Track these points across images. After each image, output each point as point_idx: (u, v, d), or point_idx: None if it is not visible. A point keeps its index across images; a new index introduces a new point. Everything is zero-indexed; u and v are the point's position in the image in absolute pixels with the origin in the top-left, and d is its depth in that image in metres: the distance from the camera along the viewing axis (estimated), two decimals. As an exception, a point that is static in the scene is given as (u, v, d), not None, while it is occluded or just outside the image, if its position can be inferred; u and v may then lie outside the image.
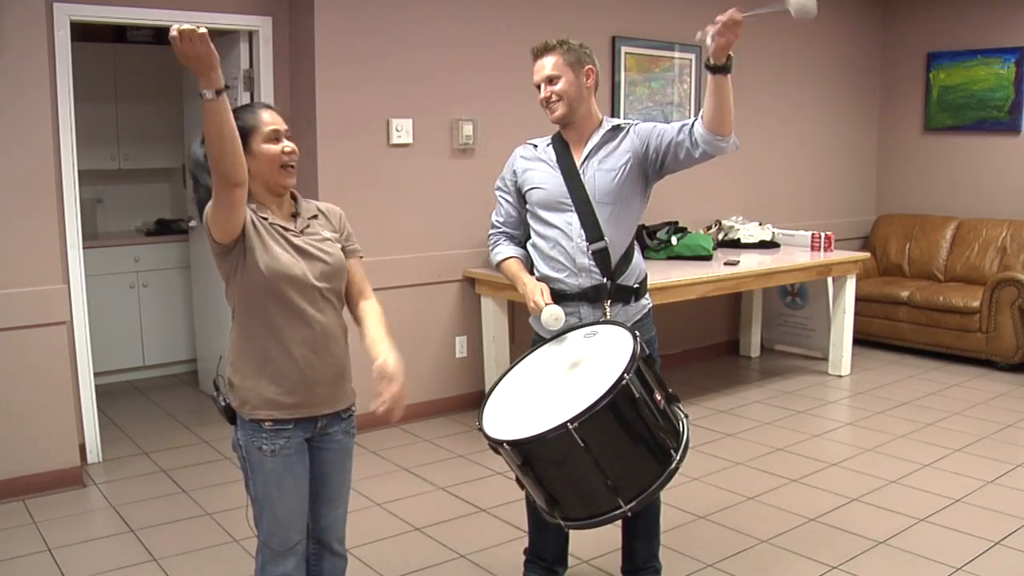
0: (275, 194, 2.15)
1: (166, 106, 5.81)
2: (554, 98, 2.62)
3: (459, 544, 3.34)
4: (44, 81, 3.72)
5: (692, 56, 5.87)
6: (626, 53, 5.52)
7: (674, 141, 2.59)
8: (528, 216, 2.77)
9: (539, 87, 2.64)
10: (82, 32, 5.04)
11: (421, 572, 3.12)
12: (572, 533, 2.89)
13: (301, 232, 2.16)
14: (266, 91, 4.51)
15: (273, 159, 2.10)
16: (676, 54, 5.79)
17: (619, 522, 2.80)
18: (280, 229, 2.12)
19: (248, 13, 4.44)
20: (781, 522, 3.51)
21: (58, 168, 3.94)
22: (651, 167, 2.66)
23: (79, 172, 4.09)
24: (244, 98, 4.57)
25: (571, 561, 3.04)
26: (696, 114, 2.61)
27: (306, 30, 4.41)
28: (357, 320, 2.26)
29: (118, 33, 5.76)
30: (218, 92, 1.82)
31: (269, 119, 2.11)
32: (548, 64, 2.61)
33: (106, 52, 5.64)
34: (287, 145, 2.12)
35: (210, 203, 2.01)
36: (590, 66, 2.65)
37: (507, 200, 2.82)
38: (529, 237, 2.78)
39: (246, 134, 2.05)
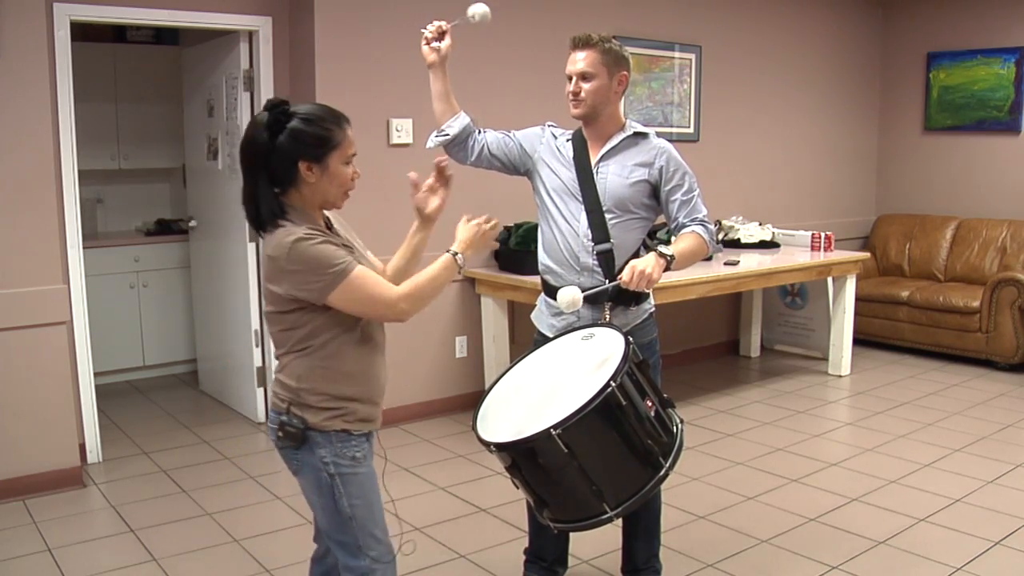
0: (323, 210, 2.08)
1: (166, 106, 5.81)
2: (582, 95, 2.59)
3: (459, 544, 3.34)
4: (44, 81, 3.72)
5: (692, 56, 5.87)
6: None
7: (667, 210, 2.68)
8: (537, 203, 2.77)
9: (570, 79, 2.61)
10: (82, 32, 5.05)
11: (421, 572, 3.12)
12: (572, 533, 2.89)
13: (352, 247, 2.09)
14: (266, 91, 4.50)
15: (343, 182, 2.02)
16: (676, 54, 5.79)
17: (619, 522, 2.80)
18: (346, 247, 2.02)
19: (248, 13, 4.44)
20: (781, 522, 3.51)
21: (58, 168, 3.94)
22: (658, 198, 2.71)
23: (79, 172, 4.09)
24: (244, 98, 4.57)
25: (571, 561, 3.04)
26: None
27: (306, 30, 4.40)
28: (400, 271, 2.31)
29: (118, 33, 5.75)
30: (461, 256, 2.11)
31: (352, 140, 2.02)
32: (585, 60, 2.58)
33: (106, 52, 5.64)
34: (357, 171, 2.04)
35: (345, 291, 1.93)
36: (625, 72, 2.63)
37: (508, 136, 2.78)
38: (484, 153, 2.75)
39: (330, 148, 1.97)
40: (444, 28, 2.58)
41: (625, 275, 2.44)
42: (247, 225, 4.64)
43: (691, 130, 5.94)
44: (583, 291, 2.43)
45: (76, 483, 3.90)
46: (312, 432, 2.03)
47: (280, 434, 2.06)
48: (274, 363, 4.71)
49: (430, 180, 2.29)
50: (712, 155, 5.97)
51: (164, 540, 3.37)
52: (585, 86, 2.58)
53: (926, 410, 5.01)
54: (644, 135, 2.68)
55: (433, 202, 2.28)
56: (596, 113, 2.62)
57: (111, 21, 4.39)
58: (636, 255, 2.68)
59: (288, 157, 1.95)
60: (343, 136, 2.00)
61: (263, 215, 1.98)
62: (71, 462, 3.90)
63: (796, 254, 5.69)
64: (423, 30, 2.60)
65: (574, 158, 2.67)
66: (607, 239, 2.61)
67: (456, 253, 2.13)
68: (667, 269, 2.51)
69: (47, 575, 3.10)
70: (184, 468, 4.16)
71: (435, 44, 2.58)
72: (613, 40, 2.62)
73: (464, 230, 2.20)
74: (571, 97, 2.62)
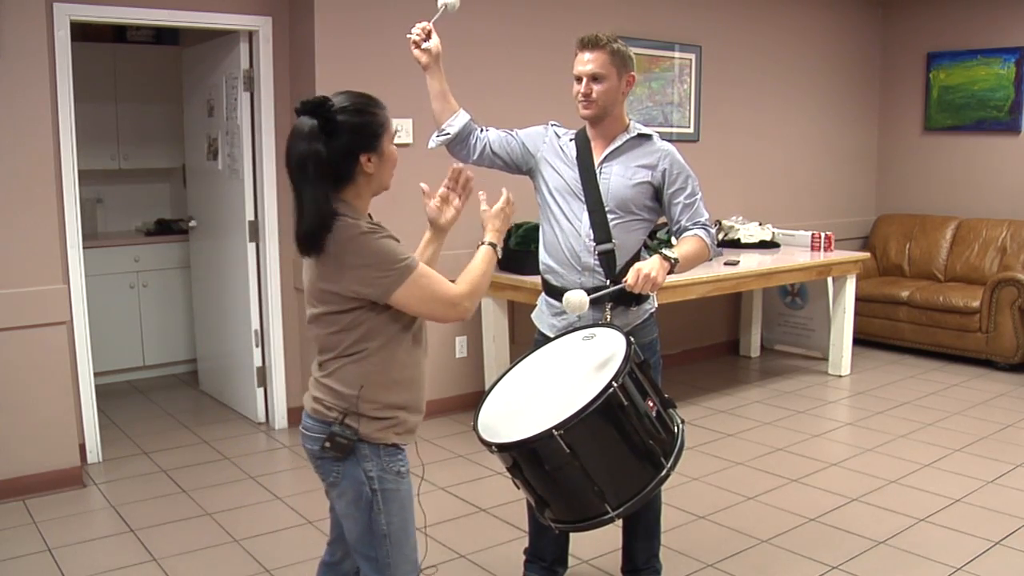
0: (374, 197, 2.03)
1: (166, 106, 5.81)
2: (593, 96, 2.57)
3: (459, 544, 3.35)
4: (44, 81, 3.72)
5: (692, 56, 5.87)
6: (626, 53, 5.52)
7: (669, 213, 2.69)
8: (539, 203, 2.77)
9: (580, 79, 2.59)
10: (82, 32, 5.04)
11: (420, 572, 3.11)
12: (573, 533, 2.89)
13: None
14: (266, 91, 4.51)
15: (394, 161, 2.00)
16: (676, 54, 5.79)
17: (619, 522, 2.80)
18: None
19: (248, 13, 4.44)
20: (781, 522, 3.51)
21: (58, 168, 3.94)
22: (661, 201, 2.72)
23: (79, 172, 4.09)
24: (244, 98, 4.57)
25: (571, 561, 3.04)
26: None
27: (306, 30, 4.40)
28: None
29: (118, 33, 5.75)
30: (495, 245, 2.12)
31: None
32: (594, 61, 2.56)
33: (106, 52, 5.64)
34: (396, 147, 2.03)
35: (410, 288, 1.89)
36: (632, 72, 2.63)
37: (511, 134, 2.77)
38: (486, 151, 2.75)
39: (382, 131, 1.94)
40: (429, 28, 2.58)
41: (630, 278, 2.44)
42: (247, 225, 4.67)
43: (691, 130, 5.94)
44: (587, 292, 2.43)
45: (76, 483, 3.90)
46: (361, 444, 1.96)
47: (327, 444, 1.94)
48: (276, 363, 4.73)
49: (442, 189, 2.25)
50: (712, 155, 5.97)
51: (164, 540, 3.37)
52: (596, 87, 2.57)
53: (926, 410, 5.01)
54: (648, 137, 2.68)
55: (448, 213, 2.25)
56: (604, 114, 2.62)
57: (111, 21, 4.39)
58: (637, 255, 2.68)
59: (350, 154, 1.90)
60: (386, 116, 1.98)
61: (325, 221, 1.87)
62: (71, 462, 3.90)
63: (796, 254, 5.69)
64: (408, 35, 2.60)
65: (577, 158, 2.67)
66: (609, 239, 2.62)
67: (494, 244, 2.12)
68: (671, 272, 2.51)
69: (47, 575, 3.10)
70: (184, 468, 4.16)
71: (425, 45, 2.58)
72: (620, 40, 2.62)
73: (493, 219, 2.18)
74: (581, 98, 2.60)
